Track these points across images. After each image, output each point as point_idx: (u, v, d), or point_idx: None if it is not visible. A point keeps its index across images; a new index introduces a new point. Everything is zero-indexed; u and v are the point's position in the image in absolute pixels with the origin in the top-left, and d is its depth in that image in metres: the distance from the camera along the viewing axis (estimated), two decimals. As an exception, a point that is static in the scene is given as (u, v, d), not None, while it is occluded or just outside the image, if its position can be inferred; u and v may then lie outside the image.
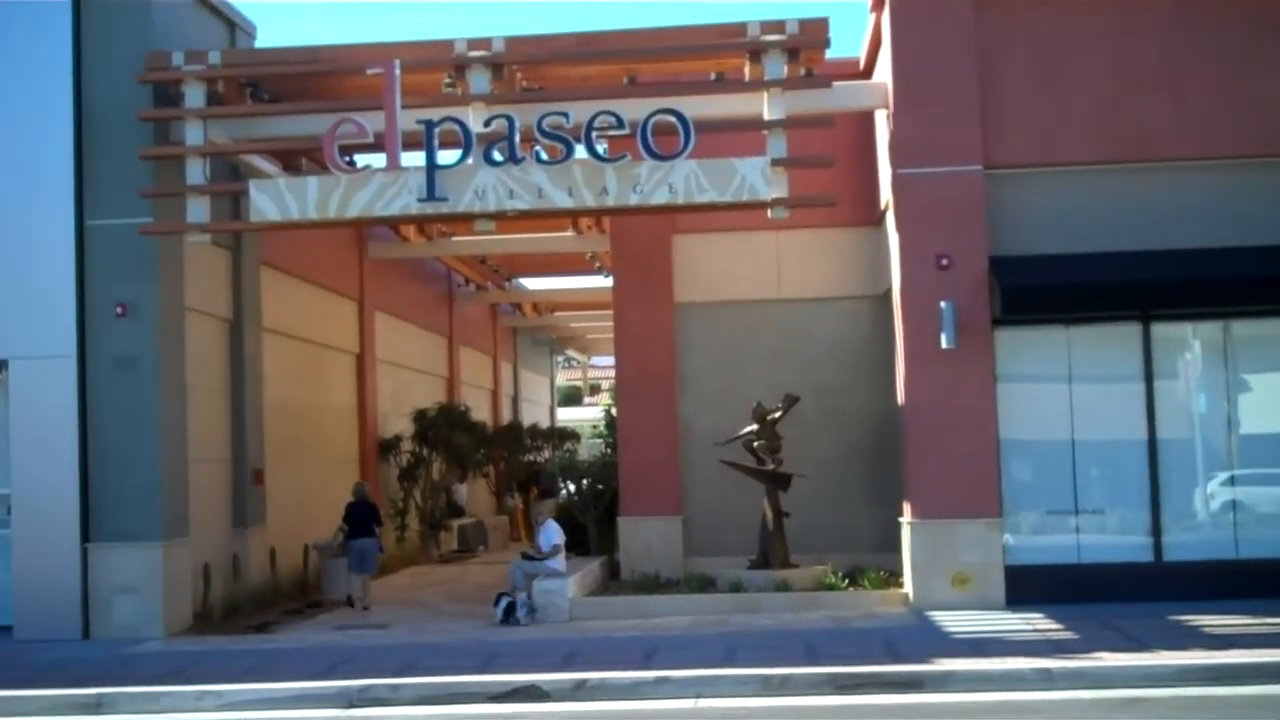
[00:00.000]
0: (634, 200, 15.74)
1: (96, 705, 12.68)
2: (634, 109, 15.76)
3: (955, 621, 15.27)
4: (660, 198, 15.69)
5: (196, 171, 16.50)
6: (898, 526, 17.42)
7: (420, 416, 26.84)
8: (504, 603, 17.13)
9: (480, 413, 32.14)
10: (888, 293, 18.29)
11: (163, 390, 16.71)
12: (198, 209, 16.52)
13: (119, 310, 16.57)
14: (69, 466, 16.52)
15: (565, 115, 15.57)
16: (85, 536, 16.53)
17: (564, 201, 15.86)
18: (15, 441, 16.72)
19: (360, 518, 19.74)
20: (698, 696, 12.18)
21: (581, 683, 12.55)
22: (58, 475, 16.52)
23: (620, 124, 15.53)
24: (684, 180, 15.60)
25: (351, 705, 12.46)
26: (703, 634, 15.09)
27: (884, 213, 18.43)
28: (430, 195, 15.66)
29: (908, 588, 16.75)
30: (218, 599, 17.97)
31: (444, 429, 26.93)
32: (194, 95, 16.52)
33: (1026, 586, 16.11)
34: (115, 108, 16.70)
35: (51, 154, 16.70)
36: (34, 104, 16.75)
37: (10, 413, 16.75)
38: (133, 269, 16.61)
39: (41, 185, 16.68)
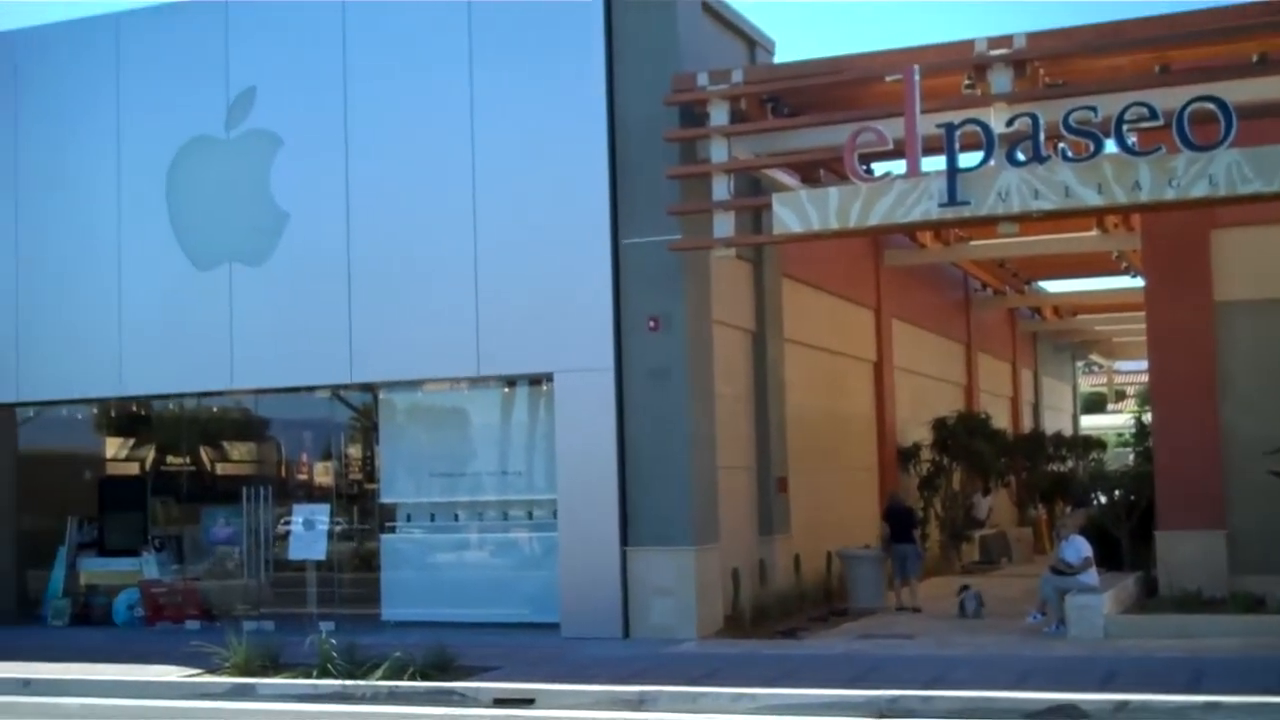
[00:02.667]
0: (1170, 195, 14.83)
1: (639, 702, 13.23)
2: (1167, 98, 14.89)
3: None
4: (1199, 191, 14.70)
5: (722, 188, 17.00)
6: None
7: (939, 425, 26.51)
8: (965, 594, 18.10)
9: (999, 421, 31.40)
10: None
11: (693, 400, 17.30)
12: (723, 224, 17.02)
13: (651, 324, 17.28)
14: (608, 474, 17.36)
15: (1093, 109, 14.91)
16: (624, 540, 17.33)
17: (1093, 200, 15.17)
18: (560, 450, 17.76)
19: (898, 522, 19.89)
20: (1253, 726, 11.32)
21: (1123, 704, 11.91)
22: (598, 482, 17.40)
23: (1153, 115, 14.70)
24: (1225, 171, 14.54)
25: (881, 715, 12.37)
26: (1254, 658, 14.00)
27: None
28: (952, 200, 15.39)
29: None
30: (746, 603, 18.37)
31: (964, 437, 26.47)
32: (718, 114, 17.04)
33: None
34: (643, 130, 17.45)
35: (589, 177, 17.61)
36: (573, 131, 17.72)
37: (556, 423, 17.82)
38: (663, 284, 17.28)
39: (581, 207, 17.64)
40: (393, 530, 19.60)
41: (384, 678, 14.23)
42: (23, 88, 20.86)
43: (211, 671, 15.29)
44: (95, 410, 22.44)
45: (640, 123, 17.47)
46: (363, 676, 14.33)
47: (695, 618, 16.99)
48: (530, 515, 18.73)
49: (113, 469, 23.28)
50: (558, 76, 17.88)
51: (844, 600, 20.41)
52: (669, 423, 17.20)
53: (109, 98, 20.29)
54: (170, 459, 23.25)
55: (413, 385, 19.46)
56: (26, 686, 15.52)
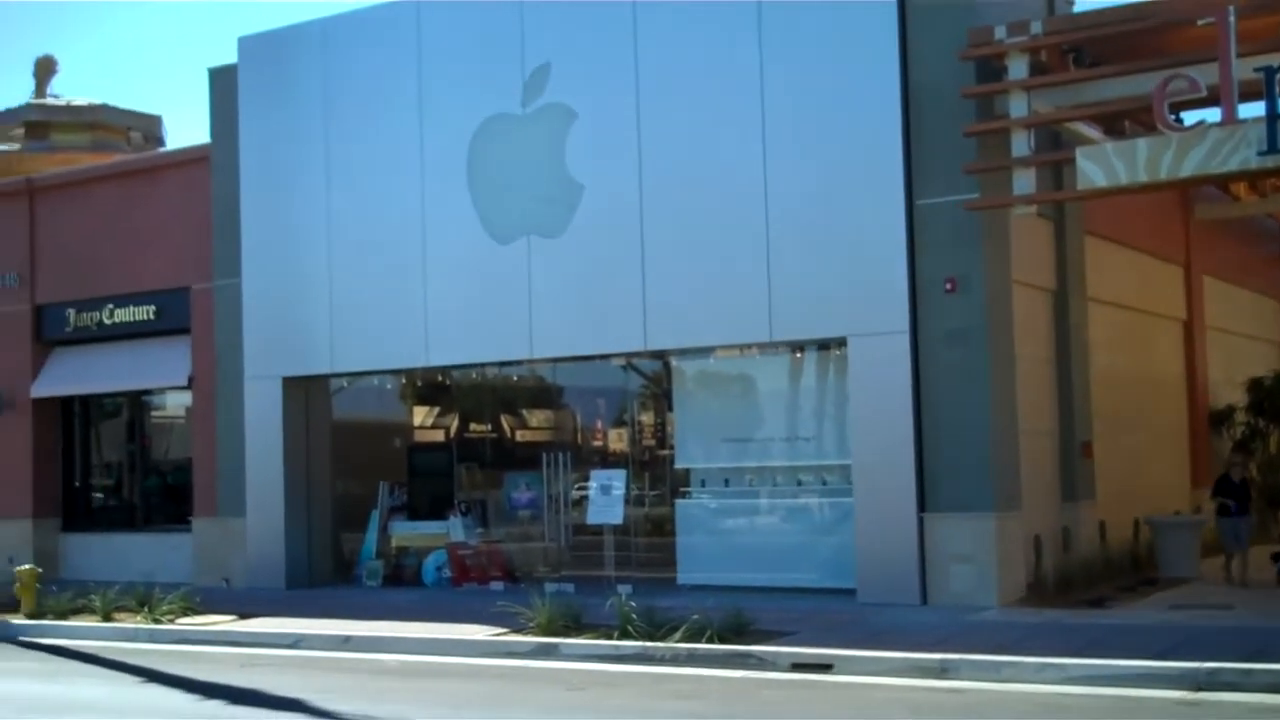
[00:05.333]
0: None
1: (941, 670, 13.00)
2: None
3: None
4: None
5: (1021, 144, 16.45)
6: None
7: (1255, 385, 25.17)
8: None
9: (1321, 381, 29.58)
10: None
11: (992, 362, 16.85)
12: (1023, 181, 16.48)
13: (948, 285, 16.89)
14: (904, 438, 17.06)
15: None
16: (921, 506, 17.03)
17: None
18: (854, 415, 17.55)
19: (1228, 492, 19.28)
20: None
21: None
22: (894, 446, 17.12)
23: None
24: None
25: (1199, 688, 11.83)
26: None
27: None
28: (1272, 148, 14.46)
29: None
30: (1049, 571, 17.83)
31: (1282, 399, 25.07)
32: (1017, 67, 16.47)
33: None
34: (938, 87, 17.02)
35: (882, 136, 17.26)
36: (865, 89, 17.40)
37: (850, 388, 17.62)
38: (960, 244, 16.86)
39: (874, 168, 17.31)
40: (687, 495, 19.77)
41: (683, 640, 14.40)
42: (331, 71, 21.75)
43: (516, 631, 15.75)
44: (403, 380, 23.39)
45: (935, 79, 17.04)
46: (662, 638, 14.52)
47: (996, 585, 16.60)
48: (824, 481, 18.61)
49: (420, 436, 24.27)
50: (848, 34, 17.58)
51: (1153, 569, 19.63)
52: (967, 386, 16.80)
53: (411, 79, 20.95)
54: (473, 426, 24.08)
55: (704, 352, 19.55)
56: (347, 643, 16.34)
